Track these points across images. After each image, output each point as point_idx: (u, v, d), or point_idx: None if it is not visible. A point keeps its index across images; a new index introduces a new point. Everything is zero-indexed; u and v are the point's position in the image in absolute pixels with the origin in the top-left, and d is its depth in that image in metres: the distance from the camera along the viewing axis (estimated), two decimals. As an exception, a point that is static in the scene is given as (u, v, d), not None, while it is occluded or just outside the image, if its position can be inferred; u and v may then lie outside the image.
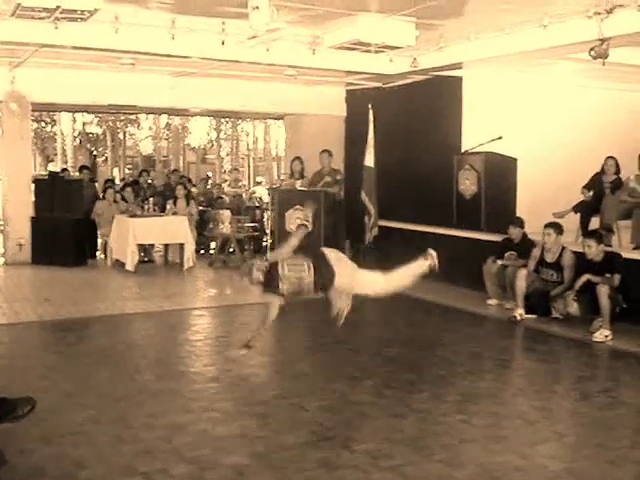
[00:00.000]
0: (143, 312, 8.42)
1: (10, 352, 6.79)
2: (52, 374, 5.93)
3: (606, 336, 7.16)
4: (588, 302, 7.44)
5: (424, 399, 5.29)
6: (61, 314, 8.20)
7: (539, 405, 5.32)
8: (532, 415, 5.06)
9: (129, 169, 35.29)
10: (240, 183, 16.22)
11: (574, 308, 7.61)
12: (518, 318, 8.04)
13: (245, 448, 4.37)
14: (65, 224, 11.71)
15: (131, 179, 17.29)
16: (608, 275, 7.39)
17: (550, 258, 8.10)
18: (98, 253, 12.91)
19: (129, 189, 13.00)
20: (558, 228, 8.07)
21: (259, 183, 22.12)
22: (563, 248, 8.08)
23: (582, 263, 7.68)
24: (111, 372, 5.96)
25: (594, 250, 7.51)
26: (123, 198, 12.64)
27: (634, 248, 8.47)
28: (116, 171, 34.58)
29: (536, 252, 8.24)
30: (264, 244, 12.43)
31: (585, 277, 7.48)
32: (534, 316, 8.12)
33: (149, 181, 14.43)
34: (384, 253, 11.59)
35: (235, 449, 4.36)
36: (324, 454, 4.25)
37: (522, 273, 8.09)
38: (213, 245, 13.20)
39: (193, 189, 14.56)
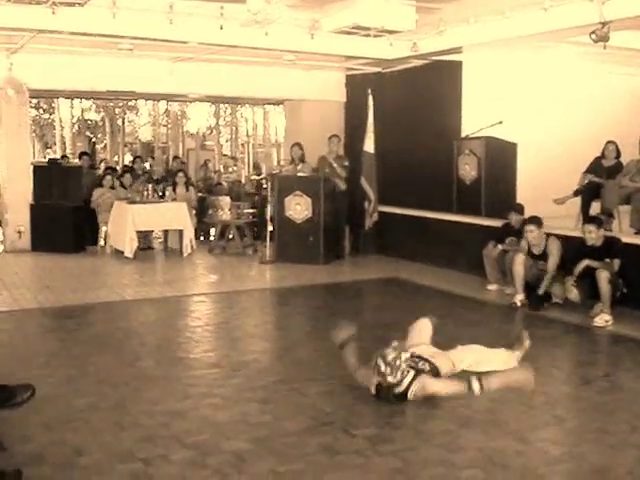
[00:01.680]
0: (143, 299, 8.42)
1: (10, 339, 6.78)
2: (52, 361, 5.92)
3: (606, 321, 7.15)
4: (588, 287, 7.41)
5: (424, 384, 5.27)
6: (61, 301, 8.20)
7: (539, 390, 5.31)
8: (532, 400, 5.06)
9: (133, 155, 35.20)
10: (231, 169, 16.16)
11: (574, 294, 7.57)
12: (518, 304, 8.02)
13: (245, 433, 4.36)
14: (64, 211, 11.70)
15: (130, 165, 17.24)
16: (608, 260, 7.37)
17: (537, 250, 8.07)
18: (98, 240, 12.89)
19: (128, 175, 12.98)
20: (538, 222, 8.05)
21: (257, 168, 21.97)
22: (548, 237, 8.06)
23: (581, 249, 7.64)
24: (111, 359, 5.96)
25: (594, 235, 7.48)
26: (122, 184, 12.62)
27: (635, 233, 8.46)
28: (116, 158, 34.46)
29: (524, 244, 8.21)
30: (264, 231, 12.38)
31: (584, 262, 7.44)
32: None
33: (146, 167, 14.40)
34: (384, 239, 11.61)
35: (235, 435, 4.35)
36: (324, 439, 4.25)
37: (519, 258, 8.06)
38: (213, 232, 13.19)
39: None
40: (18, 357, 6.04)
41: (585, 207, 9.43)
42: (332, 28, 8.93)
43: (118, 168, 16.97)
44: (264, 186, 14.15)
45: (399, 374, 4.78)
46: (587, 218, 8.32)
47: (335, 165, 11.28)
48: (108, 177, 12.67)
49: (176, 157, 19.33)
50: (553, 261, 7.89)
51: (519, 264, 8.06)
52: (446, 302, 8.58)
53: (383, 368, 4.77)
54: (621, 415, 4.79)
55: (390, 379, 4.77)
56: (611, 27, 7.47)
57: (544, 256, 8.01)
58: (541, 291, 7.93)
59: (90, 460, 3.95)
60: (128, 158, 33.98)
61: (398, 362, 4.78)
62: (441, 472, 3.86)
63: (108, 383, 5.30)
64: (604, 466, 4.00)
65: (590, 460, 4.06)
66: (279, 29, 8.90)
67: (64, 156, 18.50)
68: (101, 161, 21.70)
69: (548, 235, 8.09)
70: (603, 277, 7.17)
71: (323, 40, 9.47)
